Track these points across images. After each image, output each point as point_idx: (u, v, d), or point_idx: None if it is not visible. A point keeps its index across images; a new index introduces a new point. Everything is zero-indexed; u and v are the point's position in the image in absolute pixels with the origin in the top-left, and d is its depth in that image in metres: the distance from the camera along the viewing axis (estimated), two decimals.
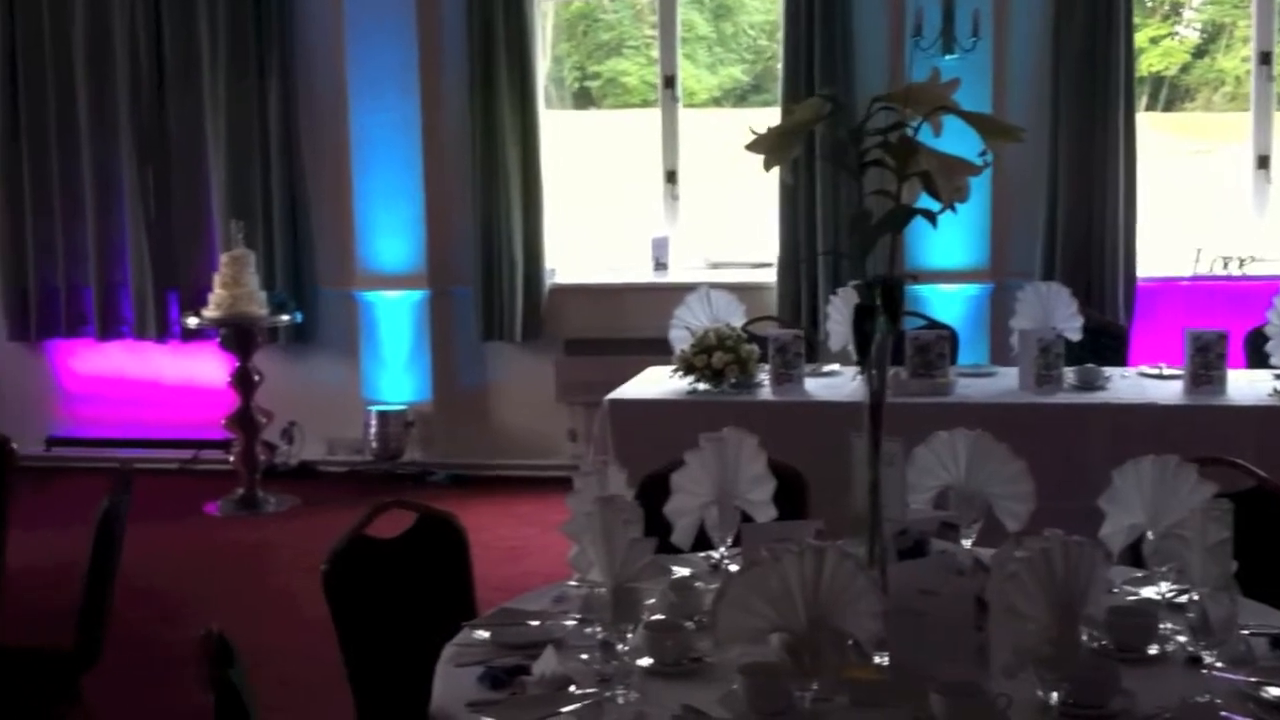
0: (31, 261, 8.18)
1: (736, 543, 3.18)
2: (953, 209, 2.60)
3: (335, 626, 3.15)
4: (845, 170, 2.64)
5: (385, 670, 3.22)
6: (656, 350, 6.15)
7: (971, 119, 2.66)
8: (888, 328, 2.64)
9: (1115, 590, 2.95)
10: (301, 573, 6.10)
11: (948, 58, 6.86)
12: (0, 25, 8.00)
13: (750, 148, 2.71)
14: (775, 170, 2.74)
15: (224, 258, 7.26)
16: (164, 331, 8.09)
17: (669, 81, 7.76)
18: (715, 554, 3.25)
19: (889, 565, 2.64)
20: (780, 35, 7.35)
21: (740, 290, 6.15)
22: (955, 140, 2.64)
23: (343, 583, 3.17)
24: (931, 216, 2.61)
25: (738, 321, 5.74)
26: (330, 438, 8.00)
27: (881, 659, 2.52)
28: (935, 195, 2.60)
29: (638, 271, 7.84)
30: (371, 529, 3.26)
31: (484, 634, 2.85)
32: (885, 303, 2.61)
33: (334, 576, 3.16)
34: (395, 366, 7.87)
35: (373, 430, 7.70)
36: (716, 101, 8.43)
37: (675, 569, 3.12)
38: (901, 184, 2.62)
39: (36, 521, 5.90)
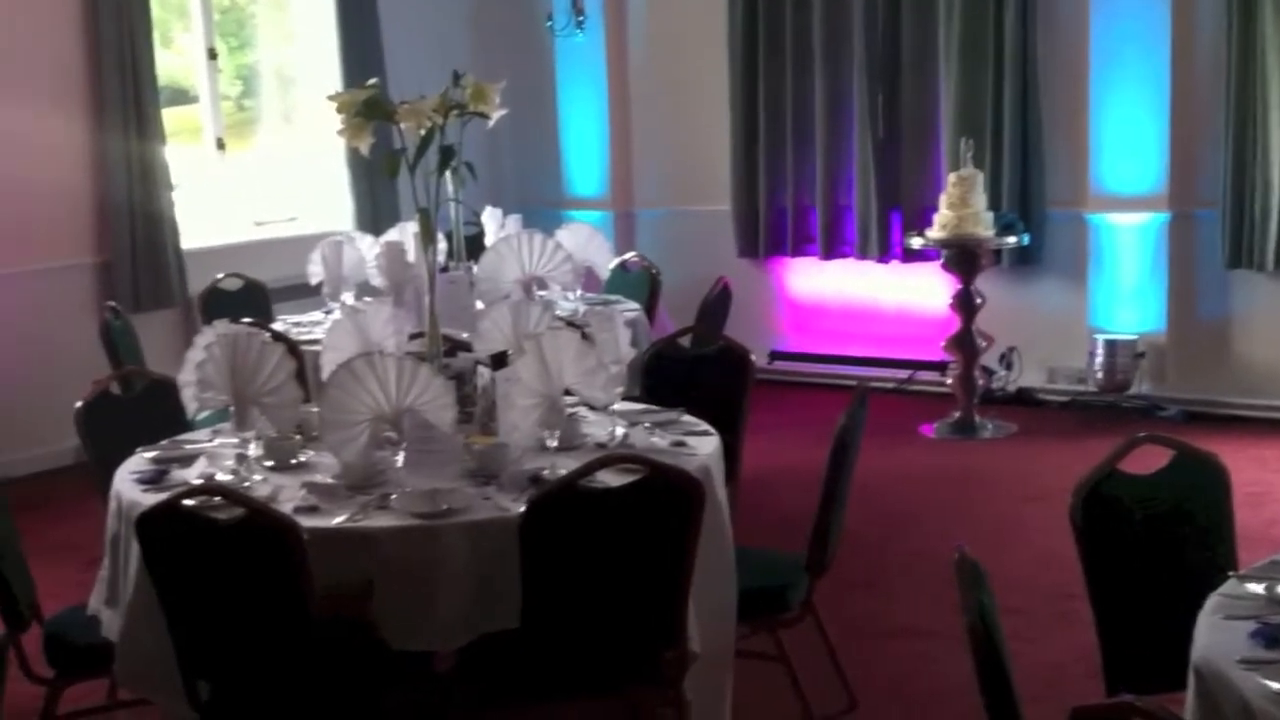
0: (762, 185, 8.47)
1: None
2: None
3: (1082, 562, 3.00)
4: None
5: (1132, 608, 3.01)
6: None
7: None
8: None
9: None
10: (1019, 501, 5.96)
11: None
12: None
13: None
14: None
15: (951, 177, 7.13)
16: (885, 252, 8.12)
17: None
18: None
19: None
20: None
21: None
22: None
23: (1091, 516, 2.99)
24: None
25: None
26: (1051, 365, 7.71)
27: None
28: None
29: None
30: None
31: (1256, 587, 2.56)
32: None
33: (1082, 509, 2.99)
34: (1126, 294, 7.44)
35: (1099, 360, 7.32)
36: None
37: None
38: None
39: (763, 431, 6.11)
